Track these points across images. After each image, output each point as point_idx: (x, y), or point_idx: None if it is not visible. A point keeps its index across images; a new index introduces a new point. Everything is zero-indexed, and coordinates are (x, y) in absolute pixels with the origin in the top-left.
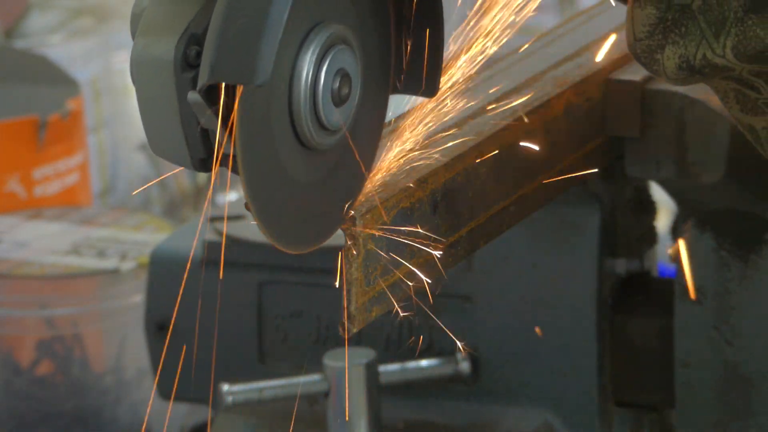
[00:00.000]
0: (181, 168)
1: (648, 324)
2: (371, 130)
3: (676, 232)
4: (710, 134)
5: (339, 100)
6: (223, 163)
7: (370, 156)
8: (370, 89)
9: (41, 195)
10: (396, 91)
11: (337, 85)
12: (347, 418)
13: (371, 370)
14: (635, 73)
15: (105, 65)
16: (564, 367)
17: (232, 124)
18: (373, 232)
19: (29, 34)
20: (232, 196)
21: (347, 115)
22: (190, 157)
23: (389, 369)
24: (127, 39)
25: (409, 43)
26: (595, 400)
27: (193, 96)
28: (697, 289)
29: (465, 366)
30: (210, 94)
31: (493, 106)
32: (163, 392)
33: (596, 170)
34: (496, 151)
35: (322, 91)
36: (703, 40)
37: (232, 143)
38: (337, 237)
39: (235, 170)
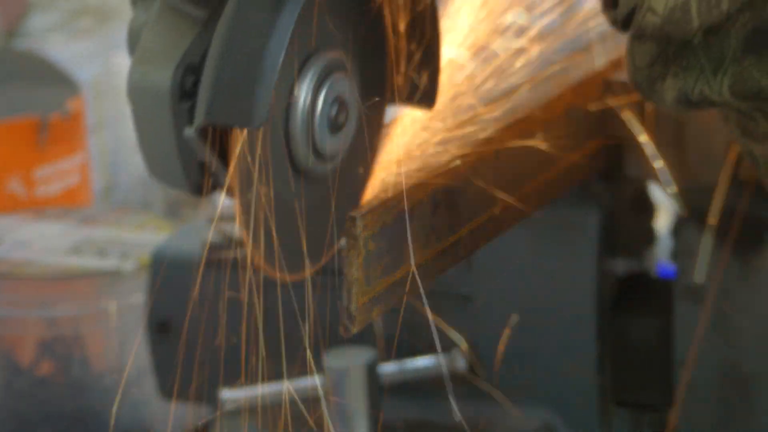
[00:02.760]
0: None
1: (648, 324)
2: (369, 148)
3: (676, 232)
4: (710, 134)
5: (336, 128)
6: (220, 188)
7: (365, 180)
8: (367, 110)
9: (42, 195)
10: (394, 102)
11: (334, 112)
12: (347, 419)
13: (371, 370)
14: None
15: (105, 65)
16: (564, 367)
17: (229, 156)
18: (374, 232)
19: (30, 34)
20: None
21: (344, 141)
22: (187, 183)
23: (389, 369)
24: None
25: (404, 55)
26: (595, 400)
27: (189, 132)
28: (697, 289)
29: (461, 363)
30: (206, 129)
31: (493, 107)
32: (164, 392)
33: (596, 170)
34: (496, 152)
35: (318, 120)
36: (701, 76)
37: (228, 173)
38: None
39: (230, 196)
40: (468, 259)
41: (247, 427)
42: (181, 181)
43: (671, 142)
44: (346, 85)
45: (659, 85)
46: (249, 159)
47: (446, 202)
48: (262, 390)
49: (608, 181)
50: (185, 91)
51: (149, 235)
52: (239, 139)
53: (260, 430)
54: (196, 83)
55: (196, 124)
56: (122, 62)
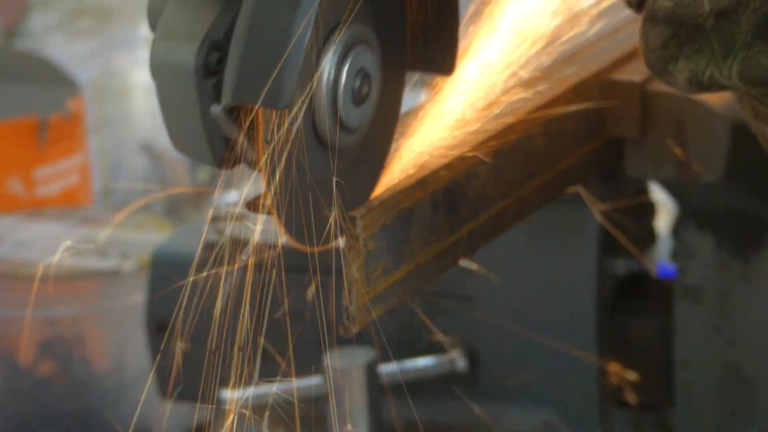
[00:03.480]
0: (181, 169)
1: (648, 324)
2: (388, 120)
3: (676, 232)
4: (710, 134)
5: (359, 100)
6: (245, 161)
7: (386, 151)
8: (387, 81)
9: (42, 195)
10: (413, 69)
11: (357, 84)
12: (347, 419)
13: (371, 370)
14: (635, 74)
15: (105, 65)
16: (564, 367)
17: (254, 131)
18: (374, 232)
19: (30, 34)
20: (233, 196)
21: (367, 113)
22: (212, 157)
23: (389, 369)
24: (127, 39)
25: (425, 22)
26: (595, 400)
27: (216, 110)
28: (697, 289)
29: (461, 363)
30: (232, 107)
31: (494, 106)
32: (164, 392)
33: (596, 170)
34: (496, 152)
35: (342, 92)
36: (712, 59)
37: (254, 148)
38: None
39: (255, 168)
40: (468, 259)
41: (248, 427)
42: (207, 155)
43: (671, 142)
44: (369, 57)
45: (672, 66)
46: (274, 133)
47: (446, 202)
48: (262, 390)
49: (608, 181)
50: (210, 69)
51: (149, 235)
52: (264, 115)
53: (260, 430)
54: (220, 60)
55: (224, 103)
56: (122, 62)
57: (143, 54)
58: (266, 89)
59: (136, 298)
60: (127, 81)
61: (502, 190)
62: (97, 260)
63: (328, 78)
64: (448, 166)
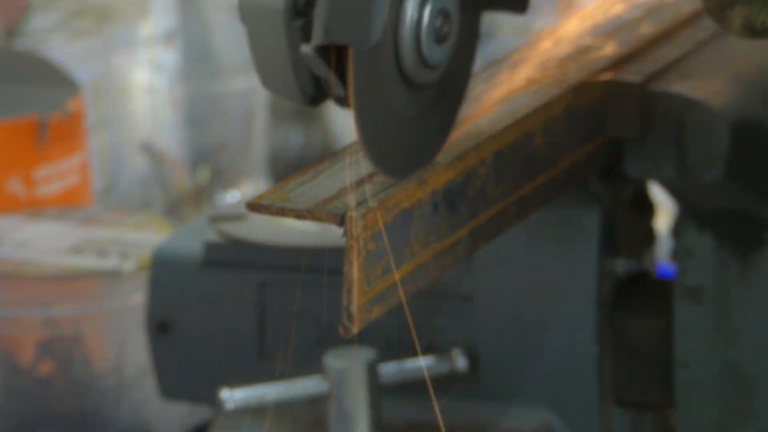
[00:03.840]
0: (181, 169)
1: (648, 324)
2: (466, 60)
3: (676, 232)
4: (710, 134)
5: (441, 38)
6: (332, 99)
7: (464, 87)
8: (466, 21)
9: (42, 195)
10: (488, 8)
11: (438, 24)
12: (347, 419)
13: (371, 370)
14: (635, 74)
15: (106, 65)
16: (564, 367)
17: (343, 69)
18: (374, 232)
19: (30, 34)
20: (234, 195)
21: (448, 51)
22: (301, 96)
23: (389, 369)
24: (127, 39)
25: None
26: (595, 400)
27: (306, 49)
28: (697, 289)
29: (461, 363)
30: (321, 46)
31: (494, 105)
32: (164, 392)
33: (596, 170)
34: (496, 152)
35: (425, 32)
36: (765, 6)
37: (344, 85)
38: (338, 238)
39: (344, 106)
40: (468, 259)
41: (248, 427)
42: (296, 94)
43: (671, 142)
44: None
45: (728, 11)
46: (363, 71)
47: (446, 202)
48: (262, 390)
49: (608, 181)
50: (298, 10)
51: (149, 235)
52: (352, 53)
53: (260, 430)
54: (307, 2)
55: (314, 43)
56: (122, 62)
57: (143, 54)
58: (355, 29)
59: (136, 298)
60: (127, 81)
61: (502, 190)
62: (97, 260)
63: (411, 18)
64: (447, 166)
